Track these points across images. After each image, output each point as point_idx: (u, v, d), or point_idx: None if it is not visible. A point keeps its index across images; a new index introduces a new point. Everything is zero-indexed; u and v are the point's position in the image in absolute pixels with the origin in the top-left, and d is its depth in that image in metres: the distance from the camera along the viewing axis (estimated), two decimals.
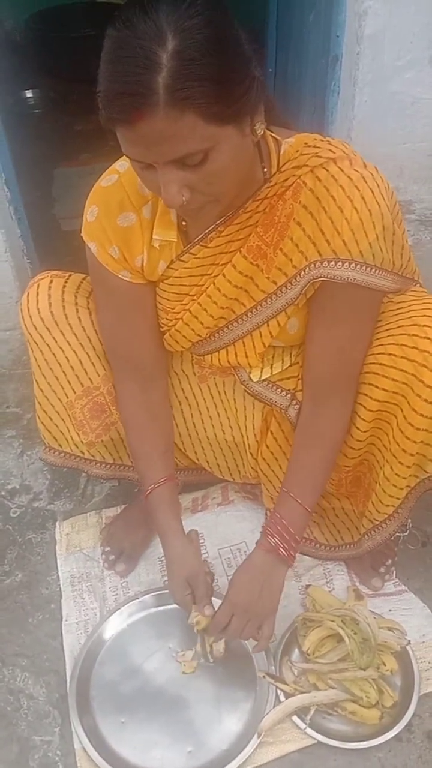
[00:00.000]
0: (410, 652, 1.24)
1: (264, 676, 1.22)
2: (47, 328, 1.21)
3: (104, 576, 1.46)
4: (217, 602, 1.20)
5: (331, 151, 0.98)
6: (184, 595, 1.19)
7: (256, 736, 1.15)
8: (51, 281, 1.21)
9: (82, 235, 1.10)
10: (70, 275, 1.24)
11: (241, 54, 0.82)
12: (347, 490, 1.30)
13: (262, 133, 0.90)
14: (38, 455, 1.58)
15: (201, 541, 1.49)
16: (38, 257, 2.08)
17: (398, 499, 1.18)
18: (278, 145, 1.00)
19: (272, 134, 1.00)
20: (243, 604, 1.16)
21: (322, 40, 1.94)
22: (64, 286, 1.21)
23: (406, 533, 1.32)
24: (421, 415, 1.06)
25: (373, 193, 0.95)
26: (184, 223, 1.06)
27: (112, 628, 1.34)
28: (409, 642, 1.24)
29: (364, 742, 1.16)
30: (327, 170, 0.96)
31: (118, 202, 1.06)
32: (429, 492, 1.18)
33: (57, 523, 1.58)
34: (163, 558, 1.46)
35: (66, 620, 1.38)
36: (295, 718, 1.18)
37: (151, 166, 0.85)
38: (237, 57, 0.81)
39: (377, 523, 1.24)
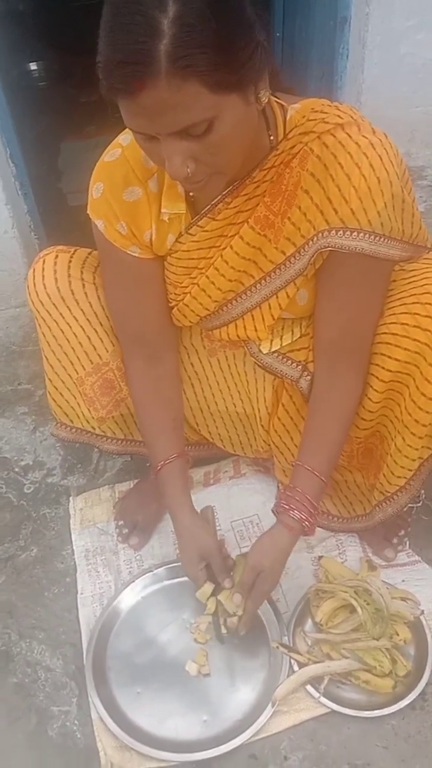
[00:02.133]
0: (423, 622, 1.24)
1: (277, 647, 1.23)
2: (54, 304, 1.20)
3: (118, 549, 1.47)
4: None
5: (338, 116, 0.95)
6: (197, 570, 1.20)
7: (270, 705, 1.16)
8: (56, 256, 1.20)
9: (88, 212, 1.09)
10: (75, 250, 1.23)
11: (245, 19, 0.79)
12: (359, 462, 1.30)
13: (266, 100, 0.87)
14: (50, 431, 1.58)
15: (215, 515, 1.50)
16: (46, 232, 2.07)
17: (410, 470, 1.17)
18: (284, 112, 0.97)
19: (278, 100, 0.97)
20: (270, 589, 1.17)
21: (330, 2, 1.89)
22: (70, 261, 1.20)
23: (419, 504, 1.31)
24: None
25: (381, 159, 0.93)
26: (191, 194, 1.05)
27: (127, 600, 1.35)
28: (422, 612, 1.24)
29: (378, 711, 1.16)
30: (334, 136, 0.94)
31: (123, 177, 1.04)
32: None
33: (71, 498, 1.59)
34: None
35: (81, 593, 1.39)
36: (308, 687, 1.19)
37: (155, 138, 0.83)
38: (240, 22, 0.79)
39: (388, 494, 1.23)
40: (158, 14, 0.73)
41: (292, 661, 1.22)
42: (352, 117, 0.96)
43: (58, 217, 2.29)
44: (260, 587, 1.15)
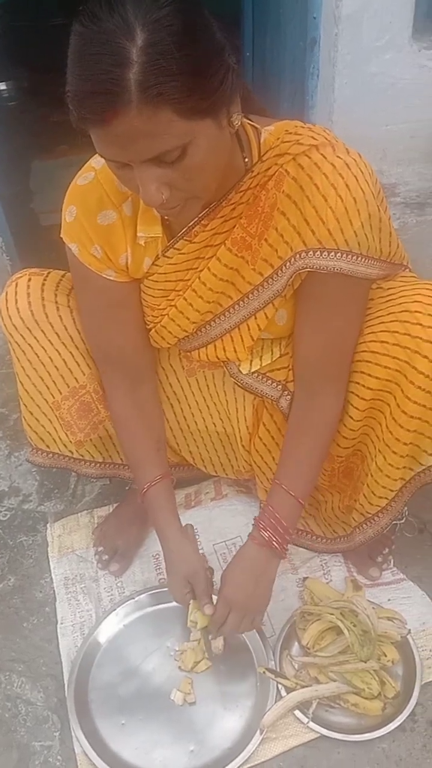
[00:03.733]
0: (411, 642, 1.23)
1: (264, 672, 1.21)
2: (28, 328, 1.18)
3: (98, 576, 1.44)
4: (214, 598, 1.19)
5: (312, 138, 0.95)
6: (184, 593, 1.18)
7: (258, 732, 1.14)
8: (29, 279, 1.19)
9: (62, 236, 1.07)
10: (48, 273, 1.21)
11: (214, 43, 0.79)
12: (339, 482, 1.29)
13: (239, 123, 0.87)
14: (26, 457, 1.55)
15: (196, 536, 1.48)
16: (18, 254, 2.05)
17: (392, 491, 1.16)
18: (258, 134, 0.97)
19: (251, 123, 0.97)
20: (239, 600, 1.15)
21: (299, 23, 1.91)
22: (43, 284, 1.19)
23: (403, 521, 1.31)
24: (415, 402, 1.05)
25: (357, 179, 0.93)
26: (167, 217, 1.04)
27: (109, 629, 1.32)
28: (409, 631, 1.24)
29: (368, 734, 1.15)
30: (309, 158, 0.94)
31: (96, 201, 1.03)
32: (426, 486, 1.16)
33: (48, 525, 1.56)
34: (157, 556, 1.45)
35: (61, 623, 1.36)
36: (297, 712, 1.17)
37: (128, 165, 0.82)
38: (209, 47, 0.78)
39: (369, 516, 1.22)
40: (127, 43, 0.72)
41: (280, 686, 1.20)
42: (326, 138, 0.96)
43: (31, 237, 2.26)
44: (228, 595, 1.14)
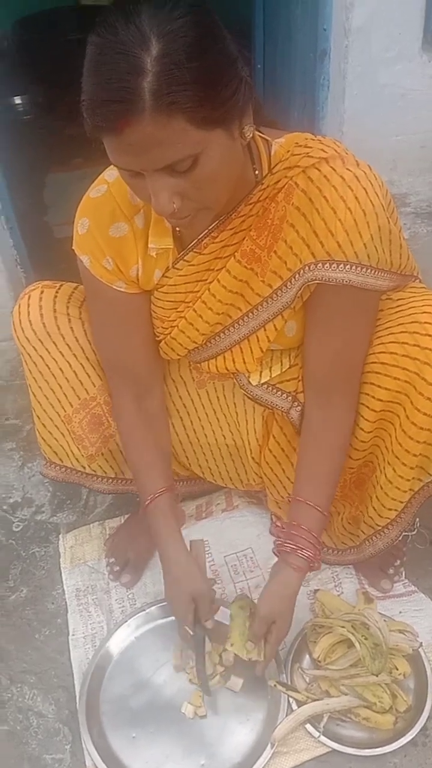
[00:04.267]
0: (422, 655, 1.22)
1: (275, 685, 1.20)
2: (40, 340, 1.19)
3: (110, 588, 1.44)
4: (224, 611, 1.19)
5: (322, 150, 0.95)
6: (187, 612, 1.16)
7: (269, 746, 1.13)
8: (42, 292, 1.19)
9: (73, 248, 1.08)
10: (61, 285, 1.22)
11: (227, 55, 0.80)
12: (351, 492, 1.28)
13: (251, 135, 0.88)
14: (39, 469, 1.56)
15: (207, 549, 1.47)
16: (32, 266, 2.07)
17: (401, 502, 1.15)
18: (268, 146, 0.98)
19: (261, 135, 0.98)
20: (285, 634, 1.16)
21: (309, 35, 1.92)
22: (56, 297, 1.19)
23: (414, 532, 1.30)
24: (424, 413, 1.04)
25: (366, 192, 0.93)
26: (178, 229, 1.04)
27: (120, 641, 1.32)
28: (421, 644, 1.23)
29: (379, 749, 1.14)
30: (319, 170, 0.94)
31: (109, 213, 1.04)
32: None
33: (60, 536, 1.56)
34: None
35: (73, 635, 1.36)
36: (308, 726, 1.16)
37: (140, 174, 0.83)
38: (223, 59, 0.79)
39: (378, 528, 1.21)
40: (141, 53, 0.74)
41: (291, 699, 1.19)
42: (336, 150, 0.96)
43: (45, 249, 2.28)
44: (276, 633, 1.14)
